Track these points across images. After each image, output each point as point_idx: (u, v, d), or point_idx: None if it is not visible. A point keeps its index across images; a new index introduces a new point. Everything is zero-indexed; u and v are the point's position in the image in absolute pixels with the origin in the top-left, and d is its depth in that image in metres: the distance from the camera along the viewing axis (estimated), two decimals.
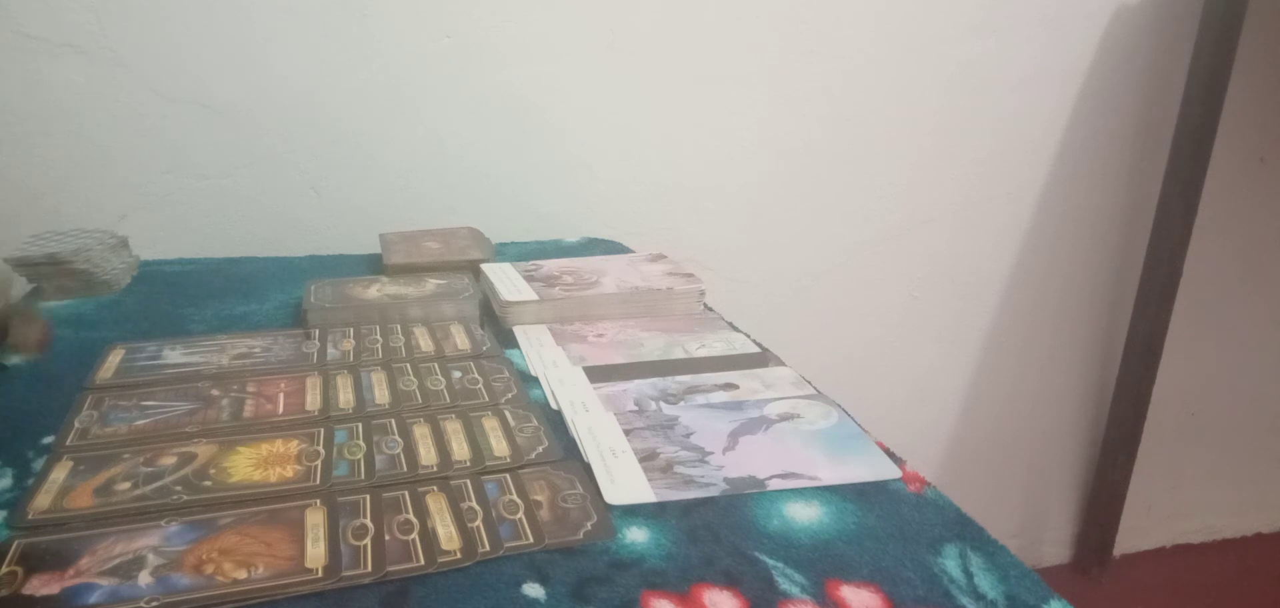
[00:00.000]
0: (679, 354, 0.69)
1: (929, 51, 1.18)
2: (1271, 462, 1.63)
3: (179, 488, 0.48)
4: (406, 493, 0.48)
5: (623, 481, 0.50)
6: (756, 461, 0.53)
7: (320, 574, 0.41)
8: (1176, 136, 1.26)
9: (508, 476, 0.51)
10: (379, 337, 0.71)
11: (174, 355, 0.66)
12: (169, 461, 0.51)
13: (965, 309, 1.34)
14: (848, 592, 0.42)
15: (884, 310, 1.30)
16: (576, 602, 0.41)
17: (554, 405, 0.60)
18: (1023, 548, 1.53)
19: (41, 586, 0.40)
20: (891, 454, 0.54)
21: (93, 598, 0.39)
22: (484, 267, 0.84)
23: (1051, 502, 1.53)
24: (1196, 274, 1.37)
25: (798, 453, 0.54)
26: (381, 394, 0.60)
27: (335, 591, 0.41)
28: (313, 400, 0.59)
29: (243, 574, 0.41)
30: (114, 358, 0.65)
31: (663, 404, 0.60)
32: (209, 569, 0.41)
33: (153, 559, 0.42)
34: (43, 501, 0.47)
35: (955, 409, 1.40)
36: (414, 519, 0.46)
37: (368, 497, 0.48)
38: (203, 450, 0.52)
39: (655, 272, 0.85)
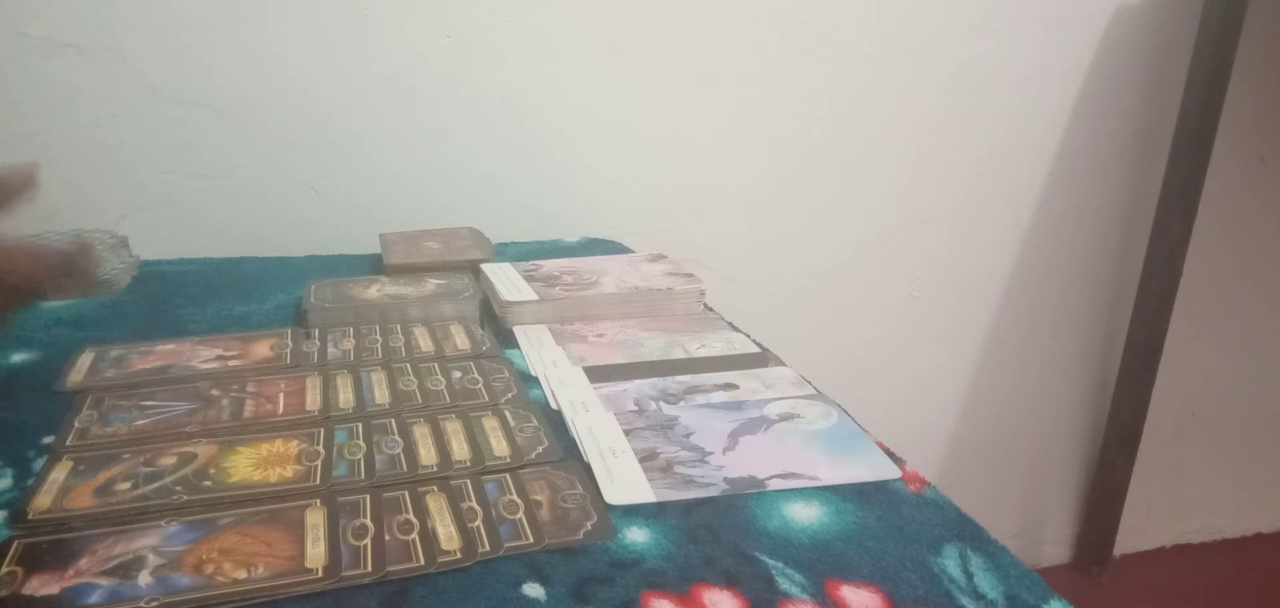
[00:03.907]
0: (679, 354, 0.69)
1: (929, 51, 1.18)
2: (1271, 462, 1.63)
3: (179, 488, 0.48)
4: (406, 493, 0.48)
5: (623, 481, 0.50)
6: (756, 460, 0.53)
7: (320, 574, 0.41)
8: (1176, 137, 1.26)
9: (508, 475, 0.51)
10: (379, 337, 0.71)
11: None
12: (169, 461, 0.51)
13: (965, 309, 1.34)
14: (848, 592, 0.42)
15: (884, 310, 1.30)
16: (576, 602, 0.41)
17: (554, 405, 0.60)
18: (1023, 548, 1.53)
19: (41, 586, 0.40)
20: (891, 454, 0.54)
21: (93, 598, 0.39)
22: (484, 267, 0.84)
23: (1051, 502, 1.53)
24: (1196, 274, 1.37)
25: (798, 453, 0.54)
26: (381, 394, 0.60)
27: (335, 591, 0.41)
28: (313, 400, 0.59)
29: (243, 574, 0.41)
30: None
31: (663, 404, 0.60)
32: (209, 569, 0.41)
33: (153, 559, 0.42)
34: (43, 501, 0.47)
35: (955, 409, 1.40)
36: (414, 519, 0.46)
37: (368, 497, 0.48)
38: (203, 451, 0.52)
39: (655, 272, 0.85)
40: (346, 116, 1.00)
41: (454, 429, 0.56)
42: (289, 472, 0.50)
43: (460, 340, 0.70)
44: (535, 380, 0.65)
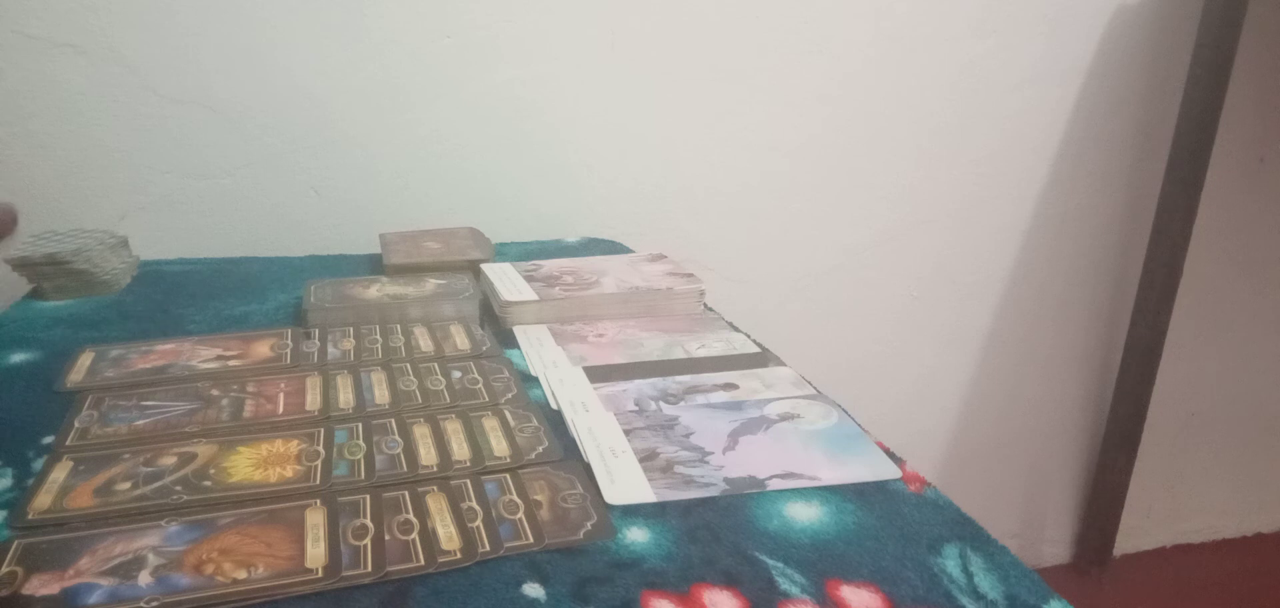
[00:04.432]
0: (679, 354, 0.69)
1: (929, 51, 1.18)
2: (1271, 462, 1.63)
3: (179, 488, 0.48)
4: (406, 493, 0.48)
5: (623, 481, 0.50)
6: (756, 460, 0.53)
7: (320, 574, 0.41)
8: (1176, 136, 1.26)
9: (508, 476, 0.51)
10: (379, 337, 0.71)
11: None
12: (169, 461, 0.51)
13: (965, 309, 1.34)
14: (848, 592, 0.42)
15: (884, 310, 1.30)
16: (576, 602, 0.41)
17: (554, 405, 0.60)
18: (1023, 548, 1.53)
19: (41, 586, 0.40)
20: (891, 454, 0.54)
21: (93, 598, 0.39)
22: (484, 267, 0.84)
23: (1051, 502, 1.53)
24: (1196, 274, 1.37)
25: (798, 453, 0.54)
26: (381, 394, 0.60)
27: (335, 591, 0.41)
28: (313, 400, 0.59)
29: (243, 574, 0.41)
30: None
31: (663, 404, 0.60)
32: (209, 569, 0.41)
33: (153, 559, 0.42)
34: (43, 501, 0.47)
35: (955, 409, 1.40)
36: (414, 519, 0.46)
37: (368, 497, 0.48)
38: (203, 450, 0.52)
39: (655, 272, 0.85)
40: (346, 117, 1.00)
41: (454, 429, 0.56)
42: (289, 472, 0.50)
43: (460, 340, 0.70)
44: (535, 380, 0.65)
